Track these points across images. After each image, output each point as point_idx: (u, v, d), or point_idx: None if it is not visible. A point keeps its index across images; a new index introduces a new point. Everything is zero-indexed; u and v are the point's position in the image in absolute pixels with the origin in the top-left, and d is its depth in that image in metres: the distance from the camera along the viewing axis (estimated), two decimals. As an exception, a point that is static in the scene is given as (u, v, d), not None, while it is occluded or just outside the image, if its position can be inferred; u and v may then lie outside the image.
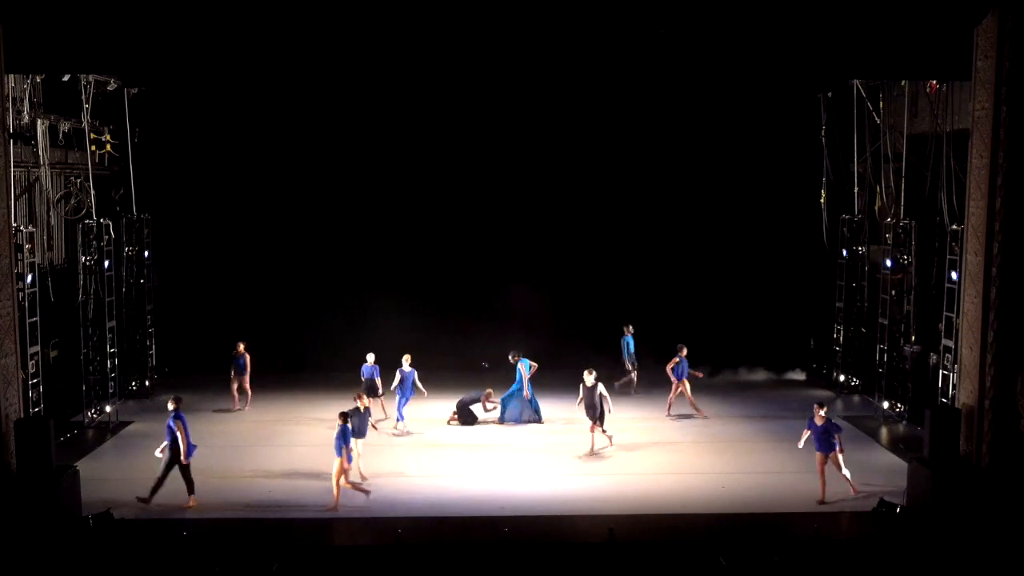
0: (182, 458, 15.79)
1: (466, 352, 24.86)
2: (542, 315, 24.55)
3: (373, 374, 20.77)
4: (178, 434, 15.77)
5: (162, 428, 19.89)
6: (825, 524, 14.86)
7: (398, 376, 20.27)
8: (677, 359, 21.18)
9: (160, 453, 16.10)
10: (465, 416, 20.87)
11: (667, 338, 23.66)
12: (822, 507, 15.83)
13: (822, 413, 16.13)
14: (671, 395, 21.35)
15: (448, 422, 20.86)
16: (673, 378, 21.27)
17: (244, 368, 21.47)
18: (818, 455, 16.13)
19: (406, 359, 20.51)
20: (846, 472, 16.10)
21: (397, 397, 20.32)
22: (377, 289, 24.43)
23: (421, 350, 22.55)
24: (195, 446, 16.05)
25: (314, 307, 24.81)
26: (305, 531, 14.95)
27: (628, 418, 21.10)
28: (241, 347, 21.55)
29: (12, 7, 15.36)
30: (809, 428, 16.30)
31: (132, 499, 15.83)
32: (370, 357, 20.89)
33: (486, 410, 21.11)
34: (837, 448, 16.02)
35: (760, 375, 24.64)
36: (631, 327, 23.09)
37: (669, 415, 21.26)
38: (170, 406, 16.04)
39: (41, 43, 15.99)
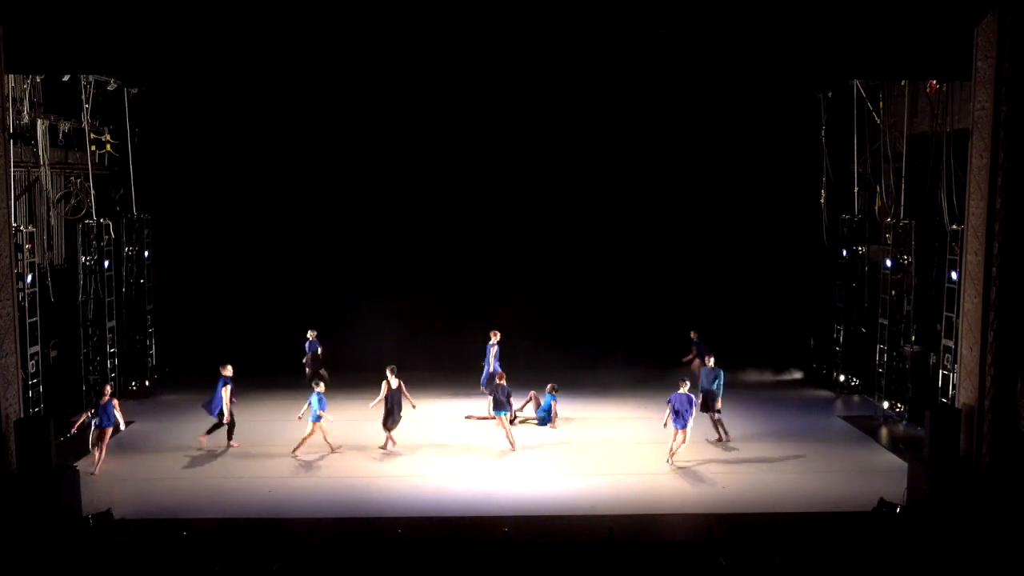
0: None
1: (464, 352, 24.84)
2: (541, 316, 24.57)
3: (315, 349, 22.68)
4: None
5: (162, 428, 20.16)
6: (825, 524, 14.86)
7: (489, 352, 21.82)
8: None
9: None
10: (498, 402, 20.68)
11: (667, 337, 23.75)
12: (820, 507, 15.82)
13: (684, 389, 17.58)
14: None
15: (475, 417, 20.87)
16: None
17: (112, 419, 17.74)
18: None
19: (494, 335, 21.75)
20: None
21: (485, 368, 21.90)
22: (378, 288, 24.42)
23: (420, 350, 22.64)
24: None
25: (314, 307, 24.79)
26: (305, 531, 14.95)
27: (627, 417, 21.15)
28: (107, 391, 18.14)
29: (12, 7, 15.37)
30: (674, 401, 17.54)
31: (132, 499, 15.88)
32: (311, 333, 22.74)
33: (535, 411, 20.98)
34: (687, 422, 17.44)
35: (760, 375, 24.63)
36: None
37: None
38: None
39: (41, 43, 15.99)
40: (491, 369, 21.72)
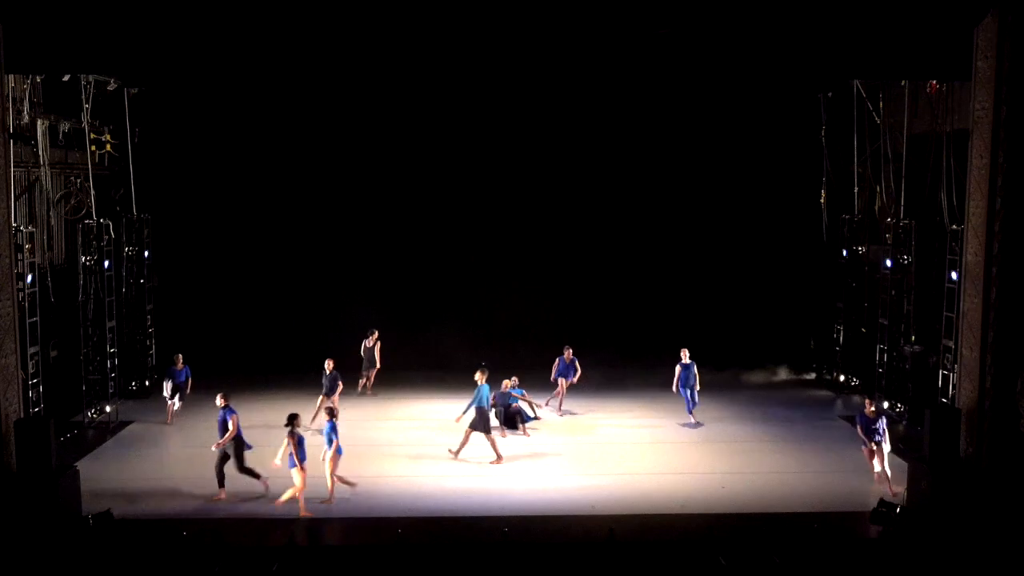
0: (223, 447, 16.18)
1: (464, 353, 24.84)
2: (540, 317, 24.59)
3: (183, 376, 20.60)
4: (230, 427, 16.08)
5: (162, 428, 20.15)
6: (825, 524, 14.86)
7: (679, 369, 20.22)
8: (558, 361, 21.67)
9: (216, 448, 16.32)
10: (510, 423, 20.19)
11: (666, 338, 23.72)
12: (820, 507, 15.78)
13: (872, 408, 16.76)
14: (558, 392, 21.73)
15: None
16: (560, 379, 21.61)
17: None
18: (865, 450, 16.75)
19: (684, 352, 20.25)
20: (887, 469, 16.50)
21: (682, 391, 20.25)
22: (379, 288, 24.42)
23: (420, 351, 22.62)
24: (251, 446, 16.49)
25: (315, 306, 24.81)
26: (304, 531, 14.94)
27: (628, 417, 21.15)
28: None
29: (12, 7, 15.36)
30: (859, 422, 16.81)
31: (132, 499, 15.90)
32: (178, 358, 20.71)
33: (533, 413, 20.78)
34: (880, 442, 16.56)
35: (760, 375, 24.63)
36: None
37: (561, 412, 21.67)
38: (219, 402, 16.33)
39: (41, 43, 16.00)
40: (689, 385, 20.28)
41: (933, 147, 19.16)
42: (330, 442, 15.77)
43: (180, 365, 20.59)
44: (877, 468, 16.56)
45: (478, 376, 18.41)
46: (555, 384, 21.79)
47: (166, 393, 20.42)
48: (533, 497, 16.29)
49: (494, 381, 20.50)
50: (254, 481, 16.20)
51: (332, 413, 16.28)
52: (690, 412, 20.42)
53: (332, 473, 15.84)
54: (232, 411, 16.20)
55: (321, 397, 20.23)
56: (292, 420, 15.57)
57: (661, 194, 24.88)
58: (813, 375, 24.97)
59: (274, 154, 24.50)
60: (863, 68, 18.51)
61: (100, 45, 16.34)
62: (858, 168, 22.63)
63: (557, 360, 21.85)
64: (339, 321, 24.28)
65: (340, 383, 20.60)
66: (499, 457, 17.91)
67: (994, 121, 15.26)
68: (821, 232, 24.00)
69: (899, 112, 20.99)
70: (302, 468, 15.35)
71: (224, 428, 16.13)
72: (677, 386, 20.28)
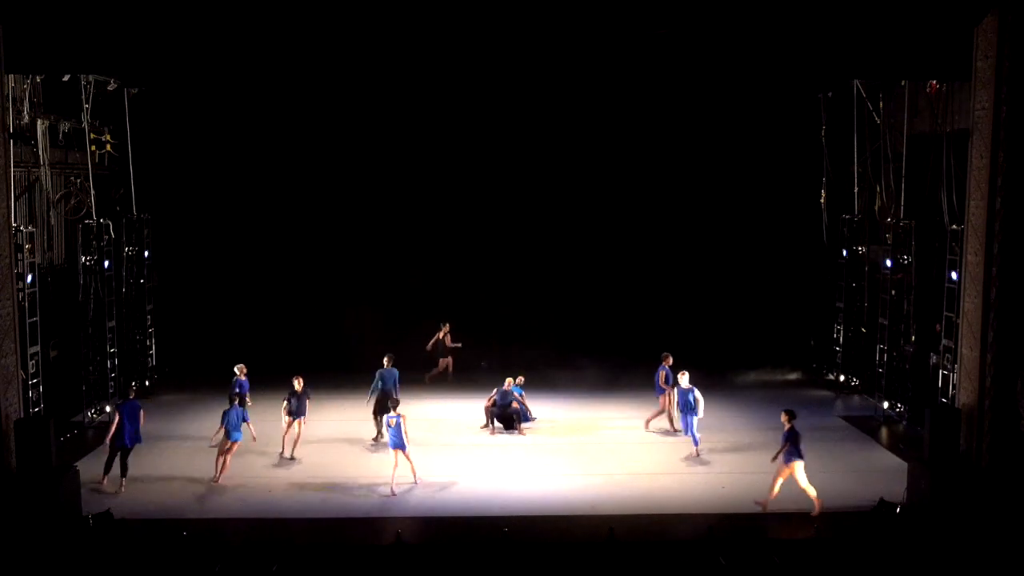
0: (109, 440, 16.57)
1: (463, 353, 24.86)
2: (540, 317, 24.58)
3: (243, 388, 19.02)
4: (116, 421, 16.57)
5: (162, 428, 20.12)
6: (825, 524, 14.87)
7: (676, 395, 18.49)
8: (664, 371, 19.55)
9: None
10: (506, 422, 20.16)
11: (666, 339, 23.70)
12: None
13: (788, 423, 15.48)
14: (669, 409, 19.68)
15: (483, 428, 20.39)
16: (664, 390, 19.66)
17: None
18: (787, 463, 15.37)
19: (683, 376, 18.18)
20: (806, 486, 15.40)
21: (683, 420, 18.36)
22: (379, 288, 24.42)
23: (420, 350, 22.58)
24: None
25: (315, 307, 24.81)
26: (305, 531, 14.95)
27: (627, 418, 21.14)
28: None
29: (12, 7, 15.37)
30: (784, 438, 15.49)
31: (132, 499, 15.91)
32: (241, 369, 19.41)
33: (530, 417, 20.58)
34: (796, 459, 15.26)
35: (760, 375, 24.62)
36: None
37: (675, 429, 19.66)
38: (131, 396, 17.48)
39: (41, 43, 16.02)
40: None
41: (933, 147, 19.16)
42: (224, 423, 16.70)
43: (244, 375, 19.29)
44: (779, 484, 15.39)
45: (385, 361, 19.09)
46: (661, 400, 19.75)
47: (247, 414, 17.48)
48: (533, 497, 16.29)
49: (498, 380, 20.55)
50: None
51: (238, 401, 17.06)
52: (692, 439, 18.22)
53: (225, 456, 16.72)
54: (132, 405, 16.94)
55: (295, 420, 18.06)
56: (395, 406, 16.69)
57: (661, 194, 24.89)
58: (813, 375, 24.97)
59: (274, 154, 24.52)
60: (863, 68, 18.53)
61: (100, 45, 16.37)
62: (858, 168, 22.63)
63: (663, 371, 19.51)
64: (339, 321, 24.29)
65: (309, 402, 18.22)
66: (380, 435, 18.48)
67: (994, 121, 15.27)
68: (821, 232, 24.01)
69: (899, 112, 20.99)
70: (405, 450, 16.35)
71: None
72: (676, 411, 18.74)
